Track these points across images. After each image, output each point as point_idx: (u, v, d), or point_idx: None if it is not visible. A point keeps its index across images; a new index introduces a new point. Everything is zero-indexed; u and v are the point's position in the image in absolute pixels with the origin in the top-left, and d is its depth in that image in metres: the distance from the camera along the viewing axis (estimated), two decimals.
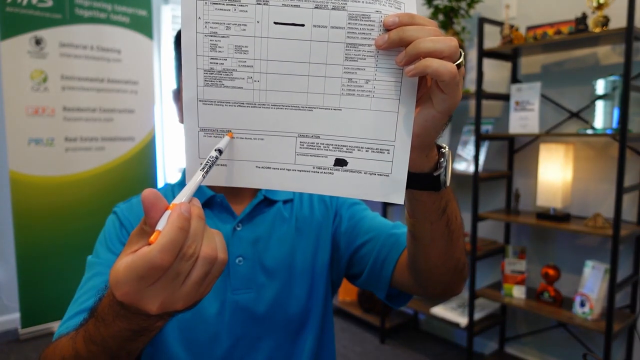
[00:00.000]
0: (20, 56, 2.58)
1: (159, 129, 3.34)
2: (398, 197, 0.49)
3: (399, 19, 0.44)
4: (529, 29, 2.25)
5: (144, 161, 3.09)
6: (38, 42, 2.63)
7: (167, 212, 0.37)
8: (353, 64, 0.46)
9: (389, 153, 0.48)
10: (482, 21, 2.21)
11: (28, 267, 2.66)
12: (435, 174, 0.52)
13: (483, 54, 2.21)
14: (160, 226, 0.37)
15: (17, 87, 2.58)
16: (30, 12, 2.59)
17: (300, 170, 0.49)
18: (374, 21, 0.45)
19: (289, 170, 0.49)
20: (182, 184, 0.81)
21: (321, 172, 0.49)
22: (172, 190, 0.81)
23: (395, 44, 0.44)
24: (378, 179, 0.48)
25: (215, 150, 0.45)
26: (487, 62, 2.40)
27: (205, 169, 0.43)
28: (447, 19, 2.46)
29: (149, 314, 0.38)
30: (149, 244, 0.36)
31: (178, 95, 0.77)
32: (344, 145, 0.48)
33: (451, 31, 2.45)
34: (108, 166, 2.94)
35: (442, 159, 0.52)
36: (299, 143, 0.48)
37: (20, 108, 2.59)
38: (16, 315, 2.80)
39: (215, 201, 0.78)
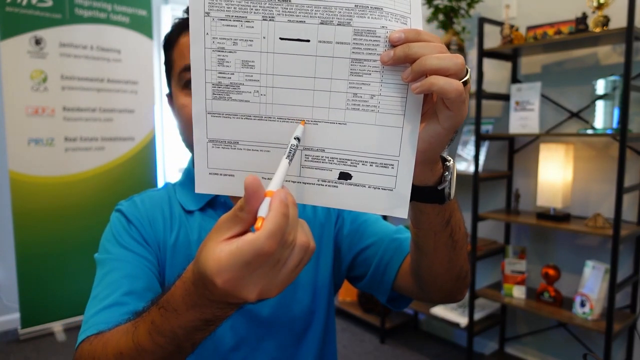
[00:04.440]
0: (20, 56, 2.58)
1: (159, 129, 3.34)
2: (402, 211, 0.49)
3: (404, 35, 0.44)
4: (529, 29, 2.25)
5: (144, 161, 3.09)
6: (38, 42, 2.63)
7: (267, 199, 0.37)
8: (358, 79, 0.46)
9: (393, 168, 0.48)
10: (482, 21, 2.21)
11: (28, 267, 2.66)
12: (439, 187, 0.52)
13: (483, 54, 2.21)
14: (262, 213, 0.37)
15: (17, 87, 2.58)
16: (30, 12, 2.59)
17: (304, 183, 0.50)
18: (379, 37, 0.45)
19: (293, 182, 0.50)
20: (182, 184, 0.81)
21: (325, 185, 0.49)
22: (174, 189, 0.81)
23: (401, 61, 0.44)
24: (382, 193, 0.49)
25: (295, 138, 0.46)
26: (487, 62, 2.40)
27: (290, 157, 0.44)
28: (447, 19, 2.46)
29: (247, 301, 0.38)
30: (252, 231, 0.36)
31: (171, 98, 0.76)
32: (348, 159, 0.48)
33: (451, 31, 2.45)
34: (108, 166, 2.94)
35: (447, 173, 0.52)
36: (304, 156, 0.49)
37: (20, 108, 2.59)
38: (16, 316, 2.80)
39: (219, 201, 0.78)
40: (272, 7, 0.45)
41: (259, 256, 0.36)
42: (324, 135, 0.48)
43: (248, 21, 0.45)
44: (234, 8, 0.45)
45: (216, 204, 0.78)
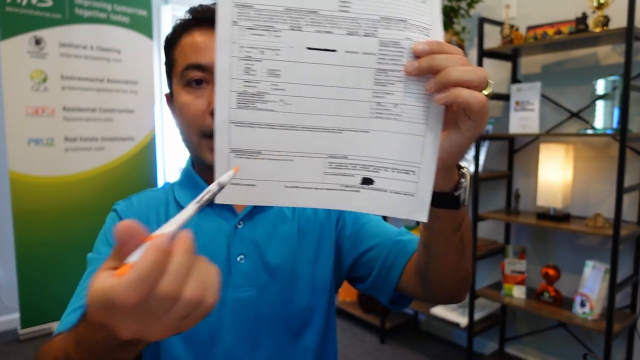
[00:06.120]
0: (20, 56, 2.57)
1: (159, 129, 3.34)
2: (422, 215, 0.50)
3: (428, 46, 0.45)
4: (529, 29, 2.25)
5: (144, 161, 3.09)
6: (38, 42, 2.63)
7: (145, 245, 0.33)
8: (382, 89, 0.47)
9: (414, 174, 0.49)
10: (482, 21, 2.21)
11: (28, 267, 2.66)
12: (456, 193, 0.53)
13: (483, 54, 2.21)
14: (133, 258, 0.33)
15: (17, 87, 2.58)
16: (30, 12, 2.59)
17: (328, 189, 0.50)
18: (404, 48, 0.46)
19: (317, 189, 0.50)
20: (181, 183, 0.81)
21: (348, 190, 0.50)
22: (172, 189, 0.81)
23: (425, 72, 0.45)
24: (403, 197, 0.50)
25: (217, 184, 0.43)
26: (487, 62, 2.40)
27: (201, 203, 0.40)
28: (447, 19, 2.46)
29: (122, 338, 0.35)
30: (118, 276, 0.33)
31: (171, 99, 0.76)
32: (371, 165, 0.50)
33: (451, 31, 2.45)
34: (108, 166, 2.94)
35: (463, 179, 0.54)
36: (328, 163, 0.50)
37: (20, 108, 2.59)
38: (16, 316, 2.80)
39: None
40: (300, 18, 0.46)
41: (117, 304, 0.32)
42: (347, 142, 0.49)
43: (276, 30, 0.46)
44: (262, 18, 0.46)
45: (214, 203, 0.78)
